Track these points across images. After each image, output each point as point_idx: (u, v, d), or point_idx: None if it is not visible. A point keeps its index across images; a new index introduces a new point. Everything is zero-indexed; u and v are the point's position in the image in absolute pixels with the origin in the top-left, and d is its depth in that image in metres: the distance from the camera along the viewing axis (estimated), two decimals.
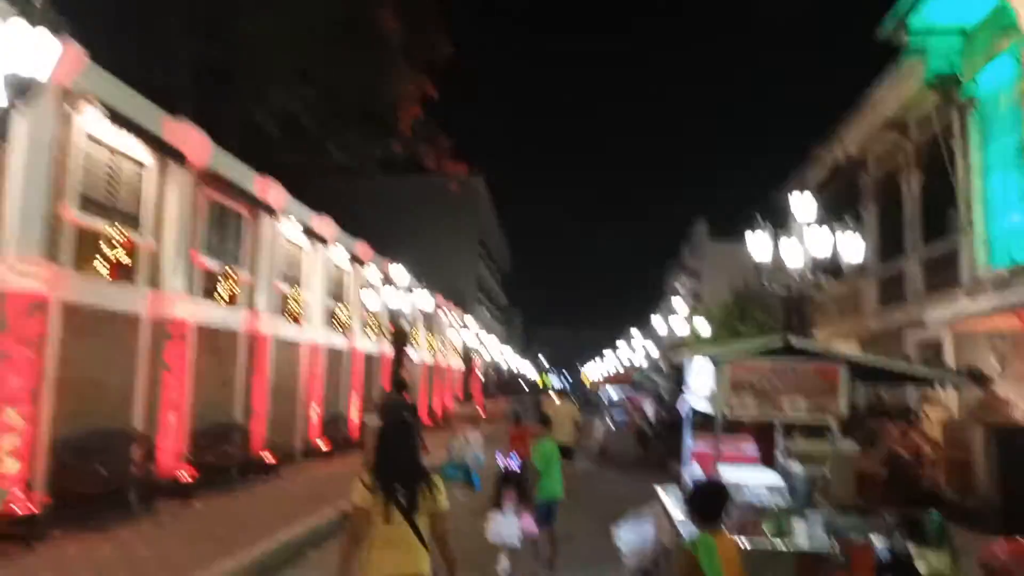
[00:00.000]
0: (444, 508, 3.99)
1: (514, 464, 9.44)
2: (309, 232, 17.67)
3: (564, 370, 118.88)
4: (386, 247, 23.96)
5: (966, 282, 12.75)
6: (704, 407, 5.83)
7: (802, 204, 11.01)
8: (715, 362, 5.27)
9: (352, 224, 21.52)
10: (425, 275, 31.20)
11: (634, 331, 39.38)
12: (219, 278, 13.63)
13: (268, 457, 14.64)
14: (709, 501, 4.12)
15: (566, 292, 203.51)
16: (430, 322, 32.81)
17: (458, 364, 35.97)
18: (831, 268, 10.86)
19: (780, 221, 13.12)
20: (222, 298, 13.66)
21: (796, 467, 6.16)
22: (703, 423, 6.98)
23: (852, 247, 10.83)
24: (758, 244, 11.20)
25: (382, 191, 42.70)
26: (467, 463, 12.67)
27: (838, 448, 7.31)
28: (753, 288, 27.10)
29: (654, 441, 19.63)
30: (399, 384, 14.67)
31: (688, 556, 3.94)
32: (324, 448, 17.98)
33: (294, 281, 17.34)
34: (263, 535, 8.95)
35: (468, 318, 33.44)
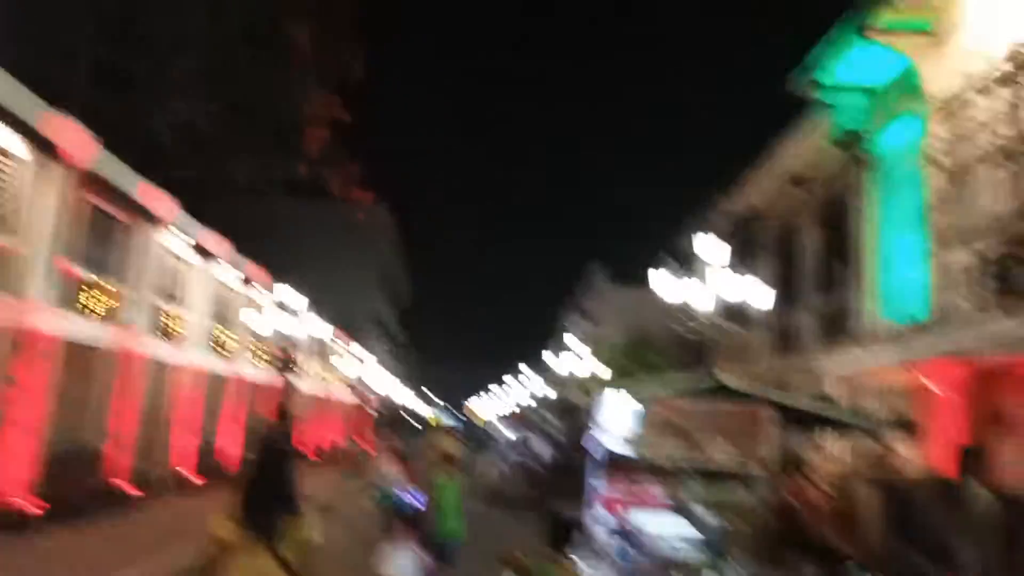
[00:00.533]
0: (312, 542, 3.73)
1: (418, 501, 8.90)
2: (197, 248, 16.53)
3: (454, 408, 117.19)
4: (282, 272, 22.82)
5: (859, 335, 12.97)
6: (617, 447, 5.39)
7: (709, 246, 10.92)
8: (639, 400, 4.83)
9: (246, 245, 20.43)
10: (321, 304, 29.93)
11: (523, 367, 38.95)
12: (90, 290, 12.42)
13: (131, 489, 13.34)
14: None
15: (462, 329, 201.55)
16: (322, 352, 31.53)
17: (350, 399, 34.62)
18: (735, 313, 10.77)
19: (682, 264, 13.09)
20: (93, 312, 12.43)
21: (707, 515, 5.80)
22: (608, 464, 6.53)
23: (759, 293, 10.80)
24: (663, 283, 11.01)
25: (282, 213, 41.02)
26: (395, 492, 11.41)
27: (745, 496, 7.00)
28: (647, 331, 27.33)
29: (543, 481, 19.07)
30: (283, 413, 13.61)
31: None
32: (197, 481, 16.66)
33: (176, 299, 16.13)
34: None
35: (363, 351, 32.27)
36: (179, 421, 16.37)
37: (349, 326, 38.20)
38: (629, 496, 5.34)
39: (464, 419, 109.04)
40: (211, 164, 25.56)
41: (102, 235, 13.11)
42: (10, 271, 10.50)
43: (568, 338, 21.70)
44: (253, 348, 20.93)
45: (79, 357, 12.33)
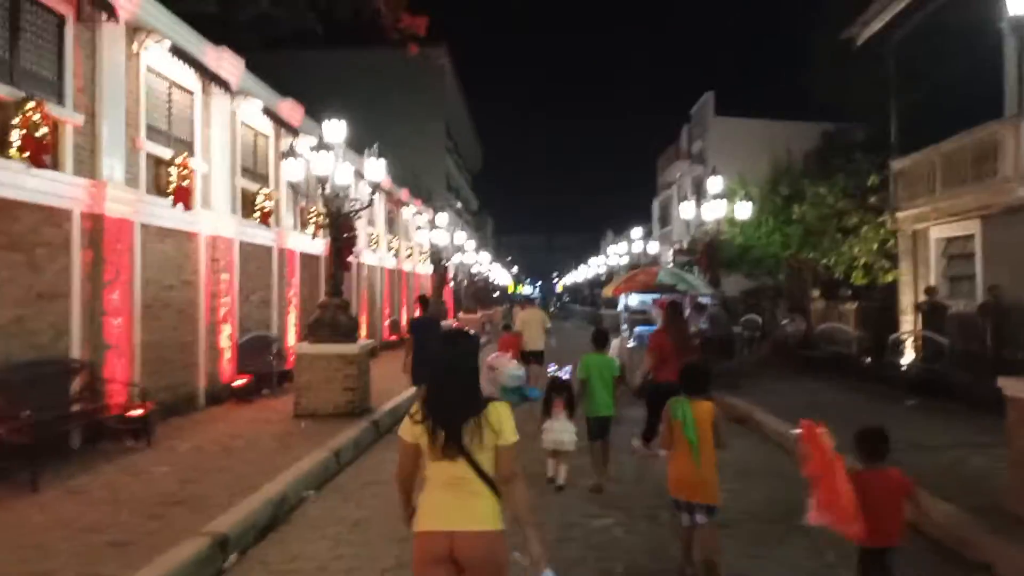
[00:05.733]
0: (510, 441, 3.13)
1: (564, 374, 8.44)
2: (201, 70, 11.77)
3: (538, 281, 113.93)
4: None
5: None
6: None
7: None
8: None
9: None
10: (388, 168, 25.33)
11: (636, 230, 33.68)
12: (14, 118, 7.85)
13: (137, 411, 9.25)
14: (693, 380, 5.25)
15: (539, 195, 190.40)
16: (393, 218, 27.14)
17: (426, 270, 30.48)
18: None
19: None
20: (25, 155, 7.91)
21: None
22: None
23: None
24: None
25: (330, 66, 35.95)
26: (513, 383, 9.51)
27: None
28: (792, 159, 21.84)
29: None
30: (423, 301, 11.98)
31: (667, 409, 5.15)
32: (242, 386, 12.65)
33: (177, 142, 11.54)
34: None
35: (440, 216, 27.81)
36: (208, 310, 12.22)
37: (420, 191, 33.73)
38: None
39: (543, 289, 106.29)
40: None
41: (27, 34, 8.41)
42: None
43: (710, 179, 16.32)
44: (301, 211, 16.51)
45: (19, 225, 8.00)
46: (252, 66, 13.85)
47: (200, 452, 8.71)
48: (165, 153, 10.96)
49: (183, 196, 11.15)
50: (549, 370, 10.60)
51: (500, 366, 9.57)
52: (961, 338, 12.77)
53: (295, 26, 25.21)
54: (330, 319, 11.26)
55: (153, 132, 10.79)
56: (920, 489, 4.48)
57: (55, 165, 8.55)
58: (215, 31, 12.80)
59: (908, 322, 15.75)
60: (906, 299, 16.11)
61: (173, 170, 10.96)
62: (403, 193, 27.95)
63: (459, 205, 50.89)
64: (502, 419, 3.15)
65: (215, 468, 7.85)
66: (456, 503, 3.07)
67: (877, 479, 4.15)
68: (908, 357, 14.61)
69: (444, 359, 3.28)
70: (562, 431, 7.52)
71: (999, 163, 12.88)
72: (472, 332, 3.21)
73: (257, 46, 24.23)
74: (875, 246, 17.13)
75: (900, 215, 16.19)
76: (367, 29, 25.74)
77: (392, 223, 27.04)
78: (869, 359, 15.20)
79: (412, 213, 29.68)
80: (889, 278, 17.36)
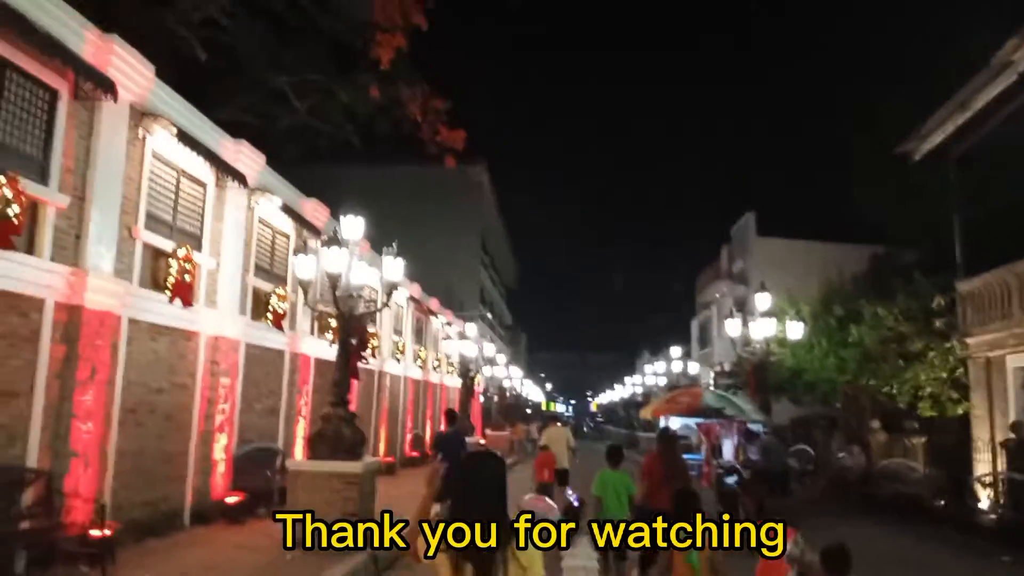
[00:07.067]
0: (538, 574, 2.94)
1: (574, 499, 9.05)
2: (215, 162, 11.10)
3: (571, 399, 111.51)
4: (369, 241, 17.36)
5: None
6: None
7: None
8: None
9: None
10: (420, 279, 24.73)
11: (675, 350, 32.14)
12: None
13: (100, 531, 7.97)
14: (686, 505, 5.33)
15: (573, 312, 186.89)
16: (422, 327, 26.16)
17: (455, 382, 29.19)
18: None
19: None
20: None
21: None
22: None
23: None
24: None
25: (367, 178, 35.99)
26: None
27: None
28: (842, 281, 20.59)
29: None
30: (450, 415, 12.62)
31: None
32: (234, 504, 11.31)
33: (182, 234, 10.72)
34: None
35: (470, 326, 26.81)
36: (201, 418, 11.08)
37: (453, 303, 32.94)
38: None
39: (575, 407, 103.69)
40: (262, 99, 20.36)
41: (17, 109, 7.74)
42: None
43: (757, 295, 15.28)
44: (319, 314, 15.54)
45: None
46: (288, 175, 13.45)
47: None
48: (166, 245, 10.13)
49: (183, 291, 10.24)
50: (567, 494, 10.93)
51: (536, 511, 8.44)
52: None
53: (333, 136, 25.18)
54: (332, 432, 10.01)
55: (154, 222, 10.00)
56: None
57: (28, 248, 7.69)
58: (254, 142, 12.33)
59: (983, 461, 13.97)
60: (980, 435, 14.37)
61: (174, 263, 10.10)
62: (432, 302, 27.10)
63: (491, 317, 49.99)
64: (532, 554, 2.96)
65: None
66: None
67: None
68: (986, 501, 12.81)
69: (469, 482, 3.03)
70: (587, 557, 6.93)
71: None
72: (499, 454, 3.42)
73: (295, 157, 24.23)
74: (944, 374, 15.51)
75: (971, 341, 14.68)
76: (405, 141, 25.71)
77: (420, 332, 26.05)
78: (943, 502, 13.37)
79: (442, 323, 28.74)
80: (959, 410, 15.65)
